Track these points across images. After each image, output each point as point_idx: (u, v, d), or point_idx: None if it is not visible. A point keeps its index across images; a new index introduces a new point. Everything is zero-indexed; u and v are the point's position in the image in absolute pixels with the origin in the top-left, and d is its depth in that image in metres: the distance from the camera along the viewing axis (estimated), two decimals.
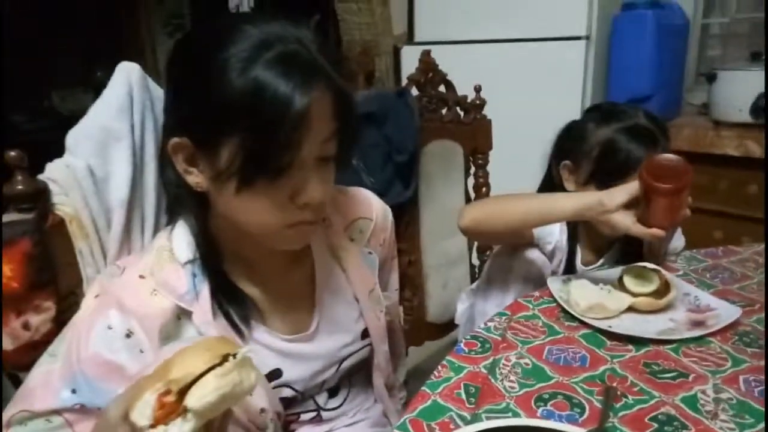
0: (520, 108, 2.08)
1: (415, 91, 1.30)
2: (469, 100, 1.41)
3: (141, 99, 0.80)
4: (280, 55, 0.61)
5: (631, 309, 0.91)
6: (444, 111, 1.38)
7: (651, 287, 0.92)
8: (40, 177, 0.71)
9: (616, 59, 2.17)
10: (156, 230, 0.82)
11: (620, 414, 0.68)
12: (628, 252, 1.12)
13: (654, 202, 0.86)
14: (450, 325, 1.44)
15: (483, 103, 1.43)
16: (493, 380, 0.76)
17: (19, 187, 0.66)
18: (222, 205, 0.69)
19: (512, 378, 0.76)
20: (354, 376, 0.92)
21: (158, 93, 0.83)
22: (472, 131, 1.43)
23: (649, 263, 0.95)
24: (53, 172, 0.71)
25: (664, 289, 0.92)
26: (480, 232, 1.07)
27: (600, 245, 1.16)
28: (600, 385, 0.74)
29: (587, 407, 0.69)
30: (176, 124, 0.68)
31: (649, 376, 0.76)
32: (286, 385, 0.80)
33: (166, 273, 0.70)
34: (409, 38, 2.65)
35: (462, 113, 1.42)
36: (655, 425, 0.66)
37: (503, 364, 0.79)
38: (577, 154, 1.10)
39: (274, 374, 0.78)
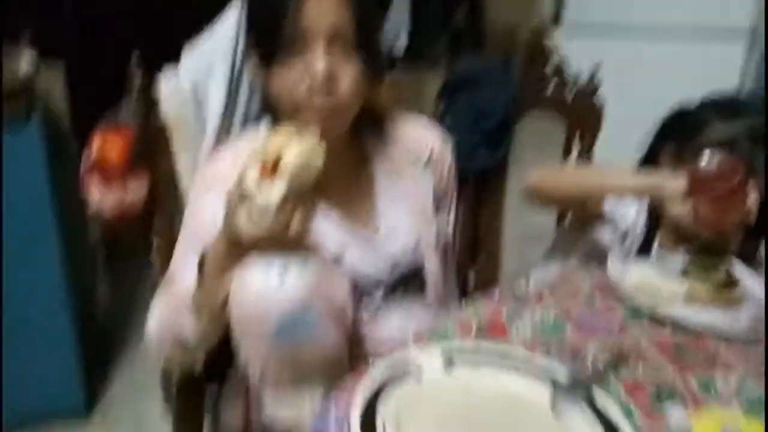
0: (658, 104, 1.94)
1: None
2: (582, 81, 1.38)
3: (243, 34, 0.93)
4: None
5: (689, 298, 0.85)
6: (551, 87, 1.36)
7: (714, 280, 0.85)
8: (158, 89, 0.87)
9: None
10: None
11: (623, 377, 0.66)
12: (711, 245, 1.02)
13: (697, 201, 0.81)
14: None
15: (596, 86, 1.38)
16: (507, 322, 0.78)
17: (136, 83, 0.83)
18: (269, 91, 0.80)
19: (527, 323, 0.77)
20: (408, 285, 0.95)
21: None
22: (579, 111, 1.38)
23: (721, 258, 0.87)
24: (164, 86, 0.87)
25: (729, 285, 0.84)
26: (544, 194, 1.07)
27: (684, 234, 1.07)
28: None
29: (590, 366, 0.68)
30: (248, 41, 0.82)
31: (674, 356, 0.72)
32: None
33: None
34: (556, 20, 2.58)
35: (572, 93, 1.39)
36: (653, 390, 0.63)
37: (526, 313, 0.80)
38: (687, 145, 1.03)
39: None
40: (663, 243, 1.08)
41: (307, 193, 0.66)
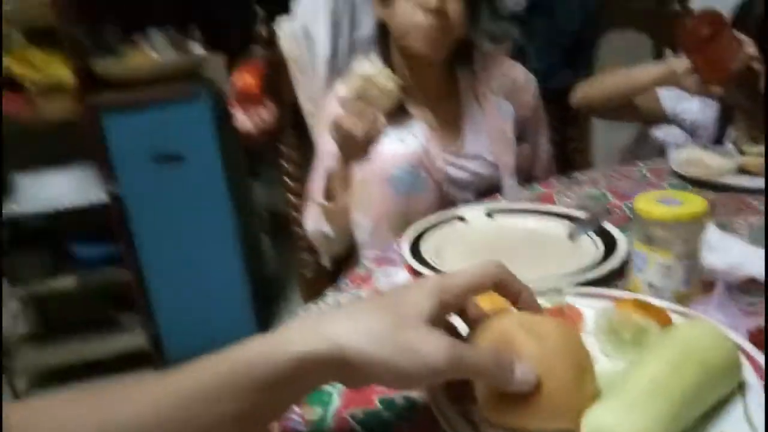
0: None
1: None
2: None
3: None
4: None
5: (742, 170, 0.91)
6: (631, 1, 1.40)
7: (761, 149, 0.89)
8: (276, 28, 1.15)
9: None
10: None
11: None
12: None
13: (693, 60, 0.87)
14: None
15: None
16: (556, 196, 0.92)
17: (260, 31, 1.11)
18: (387, 22, 1.00)
19: (573, 195, 0.91)
20: (492, 191, 1.11)
21: None
22: (668, 24, 1.40)
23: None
24: (282, 26, 1.14)
25: None
26: (585, 104, 1.16)
27: (762, 120, 1.08)
28: None
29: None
30: None
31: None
32: None
33: None
34: None
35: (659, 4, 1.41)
36: None
37: (575, 189, 0.94)
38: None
39: None
40: (737, 139, 1.11)
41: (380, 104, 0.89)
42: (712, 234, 0.63)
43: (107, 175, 1.75)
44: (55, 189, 1.79)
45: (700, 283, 0.56)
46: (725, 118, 1.09)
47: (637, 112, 1.19)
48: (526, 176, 1.15)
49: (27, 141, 1.80)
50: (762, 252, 0.59)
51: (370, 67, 0.87)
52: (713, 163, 0.92)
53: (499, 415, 0.38)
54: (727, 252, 0.60)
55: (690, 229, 0.54)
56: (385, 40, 1.05)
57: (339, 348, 0.35)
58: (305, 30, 1.13)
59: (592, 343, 0.49)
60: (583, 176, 1.02)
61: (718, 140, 1.10)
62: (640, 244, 0.56)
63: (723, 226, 0.73)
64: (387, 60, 1.05)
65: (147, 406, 0.33)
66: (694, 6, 1.41)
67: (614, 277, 0.62)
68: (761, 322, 0.52)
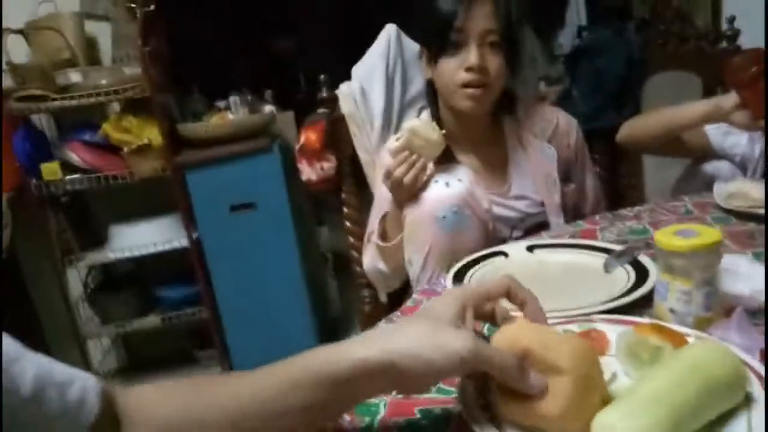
0: None
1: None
2: (719, 30, 1.43)
3: (394, 47, 1.30)
4: None
5: None
6: (679, 43, 1.44)
7: None
8: (336, 91, 1.28)
9: None
10: (398, 129, 1.31)
11: None
12: None
13: (742, 97, 0.90)
14: None
15: (735, 33, 1.41)
16: (599, 231, 0.97)
17: (324, 94, 1.25)
18: (435, 81, 1.11)
19: (615, 230, 0.95)
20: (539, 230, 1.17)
21: (408, 44, 1.31)
22: (718, 61, 1.43)
23: None
24: (342, 88, 1.27)
25: None
26: (631, 142, 1.20)
27: None
28: None
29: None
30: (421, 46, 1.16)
31: (741, 239, 0.83)
32: None
33: None
34: None
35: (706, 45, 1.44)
36: None
37: (618, 224, 0.98)
38: None
39: None
40: None
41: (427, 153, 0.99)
42: (738, 262, 0.67)
43: (189, 223, 1.93)
44: (143, 237, 2.00)
45: (721, 308, 0.60)
46: None
47: (685, 148, 1.21)
48: (574, 214, 1.20)
49: (122, 196, 2.03)
50: None
51: (417, 122, 0.98)
52: (755, 194, 0.94)
53: (511, 412, 0.45)
54: (752, 279, 0.64)
55: (706, 258, 0.58)
56: (434, 95, 1.16)
57: (389, 354, 0.43)
58: (362, 90, 1.26)
59: (614, 364, 0.54)
60: (628, 212, 1.06)
61: (766, 173, 1.11)
62: (663, 274, 0.61)
63: (758, 256, 0.76)
64: (436, 113, 1.16)
65: (229, 396, 0.43)
66: (741, 44, 1.43)
67: (643, 305, 0.67)
68: None
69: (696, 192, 1.13)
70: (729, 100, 1.03)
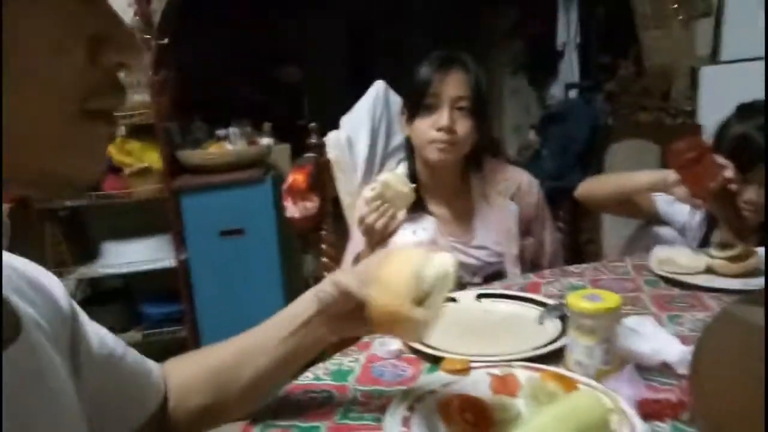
0: None
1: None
2: (675, 107, 1.57)
3: (382, 103, 1.43)
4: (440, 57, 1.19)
5: (710, 271, 1.04)
6: (642, 115, 1.58)
7: (731, 253, 1.02)
8: (325, 139, 1.41)
9: None
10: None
11: None
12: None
13: (681, 178, 1.02)
14: None
15: (692, 110, 1.55)
16: (543, 284, 1.08)
17: (312, 141, 1.37)
18: (411, 137, 1.23)
19: (556, 285, 1.06)
20: (497, 278, 1.29)
21: (393, 98, 1.44)
22: (676, 134, 1.56)
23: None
24: (329, 136, 1.40)
25: (746, 255, 1.00)
26: (587, 199, 1.32)
27: (741, 229, 1.20)
28: None
29: None
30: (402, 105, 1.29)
31: (662, 302, 0.94)
32: None
33: None
34: (713, 58, 2.59)
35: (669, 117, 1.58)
36: None
37: (562, 280, 1.09)
38: (718, 146, 1.21)
39: None
40: (722, 239, 1.23)
41: (398, 204, 1.10)
42: (645, 323, 0.78)
43: (179, 244, 2.03)
44: (134, 255, 2.10)
45: (619, 363, 0.70)
46: (710, 224, 1.22)
47: (635, 210, 1.33)
48: (533, 265, 1.31)
49: (117, 214, 2.13)
50: (676, 342, 0.73)
51: (390, 175, 1.09)
52: (684, 262, 1.05)
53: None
54: (653, 340, 0.75)
55: (606, 320, 0.69)
56: (411, 150, 1.28)
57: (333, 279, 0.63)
58: (348, 139, 1.39)
59: (521, 405, 0.65)
60: (574, 269, 1.17)
61: (704, 242, 1.22)
62: (572, 330, 0.72)
63: (672, 319, 0.87)
64: (412, 166, 1.28)
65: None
66: (700, 120, 1.57)
67: (561, 356, 0.77)
68: (667, 396, 0.65)
69: (644, 251, 1.25)
70: (672, 175, 1.15)
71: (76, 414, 0.47)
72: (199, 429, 0.65)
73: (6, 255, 0.47)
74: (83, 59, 0.34)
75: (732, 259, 1.02)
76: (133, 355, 0.61)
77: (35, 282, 0.50)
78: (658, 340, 0.75)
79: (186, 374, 0.66)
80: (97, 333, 0.57)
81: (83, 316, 0.56)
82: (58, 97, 0.33)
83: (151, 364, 0.64)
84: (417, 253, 0.61)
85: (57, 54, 0.33)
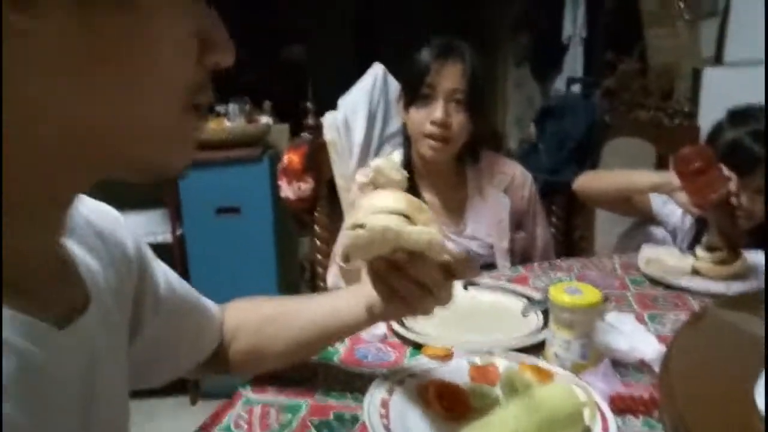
0: None
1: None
2: (674, 107, 1.57)
3: (380, 86, 1.43)
4: (438, 46, 1.18)
5: (695, 272, 1.05)
6: (641, 113, 1.58)
7: (717, 256, 1.03)
8: (322, 119, 1.41)
9: None
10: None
11: None
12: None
13: (683, 185, 1.02)
14: None
15: (691, 112, 1.56)
16: (531, 277, 1.09)
17: (310, 121, 1.37)
18: (407, 125, 1.24)
19: (545, 279, 1.08)
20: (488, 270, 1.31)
21: (393, 84, 1.44)
22: (673, 135, 1.57)
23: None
24: (326, 117, 1.40)
25: (731, 259, 1.02)
26: (584, 192, 1.32)
27: (730, 234, 1.21)
28: None
29: None
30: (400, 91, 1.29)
31: (646, 301, 0.96)
32: None
33: None
34: (718, 60, 2.59)
35: (667, 118, 1.59)
36: None
37: (550, 274, 1.10)
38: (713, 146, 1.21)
39: None
40: (711, 243, 1.24)
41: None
42: (625, 321, 0.80)
43: (175, 220, 2.04)
44: (130, 227, 2.10)
45: (596, 358, 0.72)
46: (699, 228, 1.23)
47: (630, 207, 1.34)
48: (523, 258, 1.32)
49: (114, 185, 2.13)
50: (653, 340, 0.75)
51: (382, 162, 1.09)
52: (671, 263, 1.06)
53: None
54: (630, 336, 0.76)
55: (585, 314, 0.71)
56: (407, 136, 1.29)
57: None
58: (346, 121, 1.39)
59: (499, 392, 0.66)
60: (562, 263, 1.18)
61: (693, 244, 1.23)
62: (552, 324, 0.73)
63: (652, 318, 0.89)
64: (408, 152, 1.28)
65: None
66: (700, 122, 1.58)
67: (541, 348, 0.79)
68: (641, 393, 0.67)
69: (636, 249, 1.26)
70: (677, 180, 1.11)
71: (125, 381, 0.50)
72: (246, 368, 0.71)
73: (77, 201, 0.46)
74: (196, 58, 0.38)
75: (717, 262, 1.03)
76: (193, 294, 0.66)
77: (103, 231, 0.51)
78: (636, 338, 0.76)
79: (240, 318, 0.71)
80: (164, 272, 0.60)
81: (149, 253, 0.58)
82: (178, 94, 0.37)
83: (207, 302, 0.69)
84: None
85: (182, 55, 0.36)
